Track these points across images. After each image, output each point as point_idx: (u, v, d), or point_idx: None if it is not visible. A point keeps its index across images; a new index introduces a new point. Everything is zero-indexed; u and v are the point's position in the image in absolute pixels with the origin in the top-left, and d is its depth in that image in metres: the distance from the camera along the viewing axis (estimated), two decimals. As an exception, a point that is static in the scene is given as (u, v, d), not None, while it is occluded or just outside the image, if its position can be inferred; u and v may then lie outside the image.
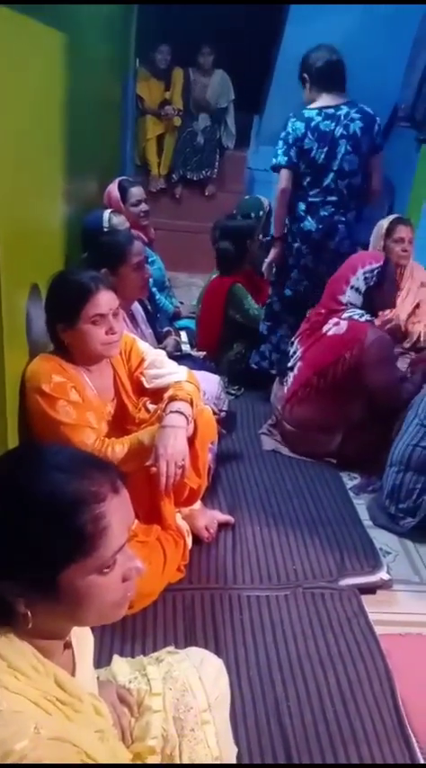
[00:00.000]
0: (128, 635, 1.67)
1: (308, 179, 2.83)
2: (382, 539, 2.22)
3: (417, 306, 3.33)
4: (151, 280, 2.94)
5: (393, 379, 2.54)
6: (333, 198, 2.83)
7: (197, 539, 2.00)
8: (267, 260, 3.02)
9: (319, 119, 2.75)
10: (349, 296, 2.52)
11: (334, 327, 2.53)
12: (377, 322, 3.13)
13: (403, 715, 1.54)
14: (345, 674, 1.63)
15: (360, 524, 2.26)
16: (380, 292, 2.51)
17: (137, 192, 3.12)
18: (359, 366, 2.45)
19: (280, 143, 2.80)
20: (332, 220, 2.85)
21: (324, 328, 2.56)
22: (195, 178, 5.20)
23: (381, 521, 2.31)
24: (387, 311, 3.22)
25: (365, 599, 1.91)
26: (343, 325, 2.50)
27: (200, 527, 1.99)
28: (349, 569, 1.99)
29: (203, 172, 5.15)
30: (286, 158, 2.79)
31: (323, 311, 2.61)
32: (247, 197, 3.53)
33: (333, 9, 4.32)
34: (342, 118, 2.74)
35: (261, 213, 3.34)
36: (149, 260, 2.93)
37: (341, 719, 1.51)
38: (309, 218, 2.86)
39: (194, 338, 3.40)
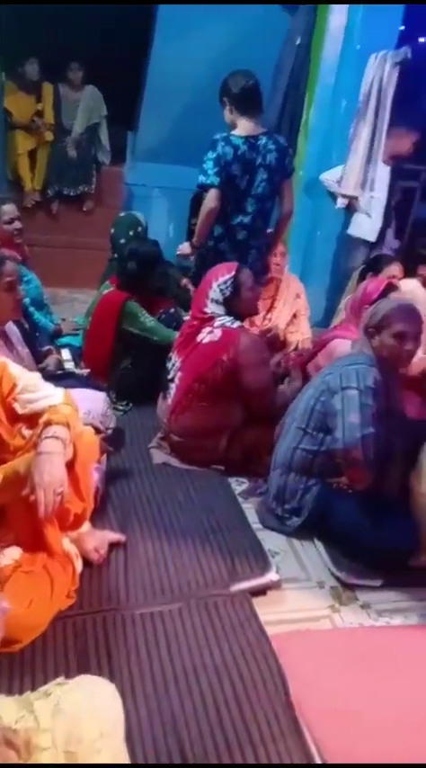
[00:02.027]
0: (17, 671, 1.61)
1: (231, 204, 3.04)
2: (271, 540, 2.30)
3: (294, 316, 3.49)
4: (28, 299, 2.86)
5: (265, 380, 2.64)
6: (248, 222, 3.09)
7: (87, 561, 1.96)
8: (178, 251, 3.27)
9: (245, 147, 2.97)
10: (210, 308, 2.61)
11: (209, 336, 2.60)
12: (256, 331, 3.27)
13: (297, 712, 1.59)
14: (240, 679, 1.66)
15: (250, 528, 2.33)
16: (239, 300, 2.62)
17: (8, 209, 3.03)
18: (235, 368, 2.53)
19: (210, 163, 2.95)
20: (246, 245, 3.13)
21: (199, 337, 2.63)
22: (72, 194, 5.12)
23: (269, 522, 2.39)
24: (266, 321, 3.36)
25: (256, 601, 1.96)
26: (217, 332, 2.58)
27: (90, 549, 1.96)
28: (240, 574, 2.03)
29: (80, 187, 5.09)
30: (218, 179, 2.95)
31: (195, 323, 2.68)
32: (123, 214, 3.54)
33: (201, 27, 4.45)
34: (261, 148, 2.99)
35: (139, 229, 3.36)
36: (24, 279, 2.86)
37: (237, 724, 1.54)
38: (226, 240, 3.11)
39: (78, 355, 3.35)
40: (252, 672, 1.69)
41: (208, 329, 2.62)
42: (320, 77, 4.16)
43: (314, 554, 2.24)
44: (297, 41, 4.19)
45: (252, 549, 2.17)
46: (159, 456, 2.71)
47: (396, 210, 4.29)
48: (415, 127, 3.90)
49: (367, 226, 4.05)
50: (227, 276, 2.62)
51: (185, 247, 3.27)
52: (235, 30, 4.50)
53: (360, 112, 3.74)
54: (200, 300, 2.68)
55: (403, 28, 4.12)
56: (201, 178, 3.00)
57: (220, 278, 2.62)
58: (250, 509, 2.47)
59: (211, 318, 2.63)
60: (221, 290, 2.61)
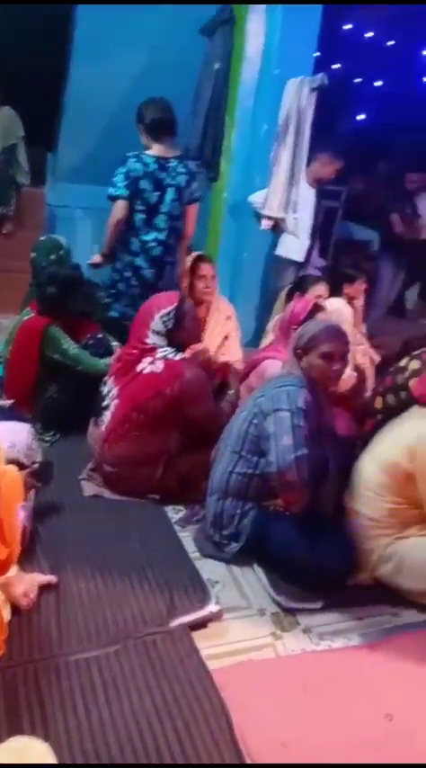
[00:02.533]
0: None
1: (142, 217, 3.29)
2: (209, 568, 2.25)
3: (225, 338, 3.49)
4: None
5: (212, 409, 2.64)
6: (162, 238, 3.33)
7: (16, 608, 1.84)
8: (90, 261, 3.47)
9: (155, 166, 3.24)
10: (152, 339, 2.57)
11: (150, 366, 2.55)
12: (187, 354, 3.24)
13: (241, 747, 1.55)
14: (181, 719, 1.60)
15: (187, 558, 2.27)
16: (181, 331, 2.59)
17: None
18: (179, 401, 2.50)
19: (120, 177, 3.21)
20: (162, 261, 3.36)
21: (139, 367, 2.57)
22: (-10, 216, 4.95)
23: (207, 550, 2.34)
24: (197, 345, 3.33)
25: (197, 634, 1.91)
26: (159, 364, 2.54)
27: (18, 595, 1.84)
28: (179, 608, 1.97)
29: (-1, 209, 4.93)
30: (126, 191, 3.20)
31: (134, 351, 2.62)
32: (43, 238, 3.43)
33: (118, 49, 4.43)
34: (171, 170, 3.27)
35: (61, 253, 3.26)
36: None
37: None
38: (142, 256, 3.33)
39: (0, 385, 3.20)
40: (194, 710, 1.63)
41: (149, 359, 2.57)
42: (239, 101, 4.23)
43: (254, 580, 2.21)
44: (216, 66, 4.25)
45: (190, 581, 2.12)
46: (90, 488, 2.61)
47: (320, 230, 4.40)
48: (339, 153, 4.08)
49: (293, 246, 4.11)
50: (170, 308, 2.58)
51: (97, 257, 3.47)
52: (153, 52, 4.51)
53: (280, 136, 3.82)
54: (141, 331, 2.61)
55: (317, 54, 4.26)
56: (110, 190, 3.23)
57: (162, 309, 2.58)
58: (187, 537, 2.42)
59: (153, 349, 2.58)
60: (163, 322, 2.57)
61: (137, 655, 1.77)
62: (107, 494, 2.59)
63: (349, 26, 6.28)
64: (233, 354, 3.52)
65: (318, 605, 2.09)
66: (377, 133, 7.55)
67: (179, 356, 2.60)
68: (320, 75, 3.71)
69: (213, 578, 2.20)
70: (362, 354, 3.69)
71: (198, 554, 2.33)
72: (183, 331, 2.62)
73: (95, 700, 1.63)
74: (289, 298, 3.51)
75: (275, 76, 4.03)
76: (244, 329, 3.96)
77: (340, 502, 2.33)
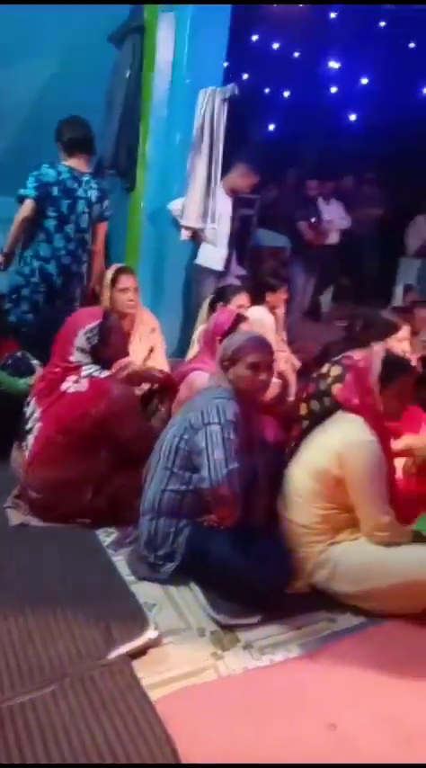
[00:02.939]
0: None
1: (54, 223, 3.35)
2: (145, 591, 2.19)
3: (151, 350, 3.43)
4: None
5: (142, 427, 2.58)
6: (72, 248, 3.40)
7: None
8: None
9: (67, 175, 3.35)
10: (77, 356, 2.49)
11: (74, 385, 2.47)
12: (113, 368, 3.16)
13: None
14: (125, 756, 1.54)
15: (122, 583, 2.21)
16: (107, 347, 2.53)
17: None
18: (107, 421, 2.42)
19: (31, 179, 3.28)
20: (69, 270, 3.42)
21: (63, 386, 2.48)
22: None
23: (142, 572, 2.28)
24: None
25: (137, 663, 1.85)
26: (84, 382, 2.46)
27: None
28: (116, 638, 1.90)
29: None
30: (34, 193, 3.27)
31: (57, 370, 2.52)
32: None
33: (25, 57, 4.29)
34: (83, 183, 3.39)
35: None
36: None
37: None
38: (53, 262, 3.37)
39: None
40: (138, 745, 1.57)
41: (73, 377, 2.48)
42: (152, 110, 4.19)
43: (191, 600, 2.17)
44: (126, 74, 4.19)
45: (127, 607, 2.06)
46: (16, 516, 2.48)
47: (236, 238, 4.44)
48: (255, 165, 4.19)
49: (212, 255, 4.13)
50: (94, 323, 2.50)
51: None
52: (62, 60, 4.41)
53: (195, 147, 3.82)
54: (64, 348, 2.52)
55: (227, 64, 4.30)
56: (20, 191, 3.29)
57: (86, 325, 2.50)
58: (121, 561, 2.34)
59: (77, 367, 2.49)
60: (88, 339, 2.49)
61: (75, 693, 1.69)
62: (34, 521, 2.47)
63: (256, 37, 6.40)
64: (159, 367, 3.47)
65: (257, 619, 2.08)
66: (286, 142, 7.77)
67: (104, 374, 2.52)
68: (231, 86, 3.74)
69: (150, 601, 2.14)
70: (284, 361, 3.76)
71: (132, 577, 2.26)
72: (109, 347, 2.55)
73: (32, 748, 1.54)
74: (212, 308, 3.51)
75: (186, 86, 4.03)
76: (168, 340, 3.93)
77: (272, 511, 2.34)
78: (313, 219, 5.86)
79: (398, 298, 6.40)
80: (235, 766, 1.58)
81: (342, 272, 7.24)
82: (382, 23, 4.95)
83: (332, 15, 5.88)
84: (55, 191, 3.32)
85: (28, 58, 4.33)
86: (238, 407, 2.23)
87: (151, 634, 1.93)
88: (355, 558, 2.12)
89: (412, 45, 5.07)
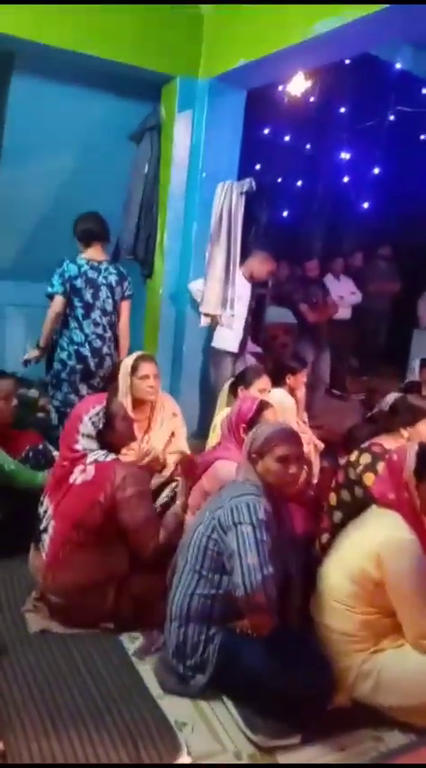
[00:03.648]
0: None
1: (82, 312, 3.63)
2: (175, 707, 2.04)
3: (172, 435, 3.38)
4: None
5: (144, 515, 2.37)
6: (100, 332, 3.66)
7: None
8: (25, 357, 3.75)
9: (87, 267, 3.63)
10: (83, 443, 2.43)
11: (82, 475, 2.39)
12: (136, 456, 3.10)
13: None
14: None
15: (150, 697, 2.06)
16: (112, 432, 2.48)
17: None
18: (114, 507, 2.32)
19: (56, 277, 3.56)
20: (100, 351, 3.68)
21: (71, 478, 2.41)
22: None
23: (170, 684, 2.13)
24: (143, 444, 3.22)
25: (169, 794, 1.69)
26: (90, 469, 2.39)
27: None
28: (144, 760, 1.75)
29: None
30: (61, 288, 3.56)
31: (65, 463, 2.47)
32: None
33: (49, 151, 4.48)
34: (103, 271, 3.66)
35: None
36: None
37: None
38: (86, 346, 3.63)
39: None
40: None
41: (80, 467, 2.40)
42: (170, 203, 4.33)
43: (226, 717, 2.01)
44: (145, 170, 4.37)
45: (155, 725, 1.92)
46: (36, 622, 2.36)
47: (251, 316, 4.49)
48: (273, 253, 4.38)
49: (229, 338, 4.17)
50: (98, 407, 2.47)
51: (33, 352, 3.73)
52: (82, 156, 4.59)
53: (213, 238, 3.92)
54: (70, 437, 2.47)
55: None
56: (48, 289, 3.59)
57: (91, 410, 2.47)
58: (147, 670, 2.20)
59: (83, 456, 2.43)
60: (93, 423, 2.45)
61: None
62: (55, 627, 2.34)
63: (267, 131, 6.72)
64: (180, 452, 3.41)
65: (297, 740, 1.92)
66: (296, 225, 8.06)
67: (111, 457, 2.44)
68: (248, 181, 3.87)
69: (180, 719, 1.99)
70: (306, 444, 3.68)
71: (160, 690, 2.11)
72: (114, 431, 2.50)
73: None
74: (232, 391, 3.48)
75: (203, 179, 4.18)
76: (188, 423, 3.89)
77: (306, 613, 2.21)
78: (314, 300, 5.94)
79: (414, 371, 6.37)
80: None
81: (356, 347, 7.27)
82: (391, 117, 5.19)
83: (342, 110, 6.21)
84: (78, 282, 3.58)
85: (48, 153, 4.51)
86: (268, 504, 2.14)
87: (184, 759, 1.79)
88: (401, 668, 1.97)
89: (423, 137, 5.28)
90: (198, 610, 2.11)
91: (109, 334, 3.70)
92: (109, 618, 2.37)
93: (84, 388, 3.66)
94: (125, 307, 3.77)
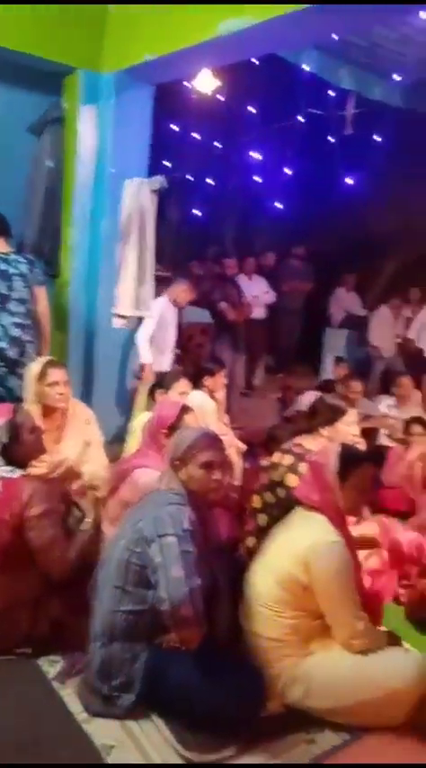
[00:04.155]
0: None
1: None
2: (102, 731, 1.93)
3: (86, 444, 3.23)
4: None
5: (51, 534, 2.23)
6: (19, 320, 3.57)
7: None
8: None
9: None
10: None
11: None
12: (47, 469, 2.94)
13: None
14: None
15: (74, 723, 1.94)
16: (19, 446, 2.34)
17: None
18: (21, 525, 2.19)
19: None
20: (20, 340, 3.56)
21: None
22: None
23: (95, 707, 2.01)
24: (55, 456, 3.06)
25: None
26: None
27: None
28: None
29: None
30: None
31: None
32: None
33: None
34: (12, 261, 3.59)
35: None
36: None
37: None
38: (5, 339, 3.53)
39: None
40: None
41: (-16, 486, 2.24)
42: (76, 198, 4.17)
43: (156, 736, 1.92)
44: (47, 163, 4.17)
45: (81, 753, 1.80)
46: None
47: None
48: (195, 283, 4.68)
49: (164, 363, 4.12)
50: (1, 421, 2.31)
51: None
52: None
53: (124, 237, 3.82)
54: None
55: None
56: None
57: None
58: (70, 695, 2.07)
59: None
60: None
61: None
62: (-34, 658, 2.17)
63: (177, 127, 6.66)
64: (96, 461, 3.26)
65: (231, 752, 1.87)
66: (209, 225, 8.08)
67: (17, 473, 2.30)
68: (160, 178, 3.79)
69: (108, 742, 1.89)
70: (228, 446, 3.65)
71: (85, 714, 2.00)
72: (21, 445, 2.36)
73: None
74: (151, 394, 3.40)
75: (111, 175, 4.05)
76: (105, 427, 3.75)
77: (235, 622, 2.17)
78: (233, 298, 5.97)
79: (327, 369, 6.55)
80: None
81: (271, 346, 7.38)
82: (301, 118, 5.28)
83: (252, 110, 6.25)
84: None
85: None
86: (192, 513, 2.07)
87: (112, 789, 1.68)
88: (331, 671, 1.97)
89: (330, 139, 5.41)
90: (122, 627, 2.01)
91: (28, 321, 3.63)
92: (25, 642, 2.22)
93: (12, 380, 3.55)
94: (41, 293, 3.71)
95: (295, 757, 1.91)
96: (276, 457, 2.76)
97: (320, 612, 2.02)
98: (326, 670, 1.98)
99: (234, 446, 3.70)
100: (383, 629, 2.16)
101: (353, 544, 2.13)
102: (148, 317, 3.94)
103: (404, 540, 2.86)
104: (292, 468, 2.62)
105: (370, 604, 2.22)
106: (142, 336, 4.22)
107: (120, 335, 4.23)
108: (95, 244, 4.20)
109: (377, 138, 5.26)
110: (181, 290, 4.50)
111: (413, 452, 3.91)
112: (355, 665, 1.97)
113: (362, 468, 2.14)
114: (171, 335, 4.44)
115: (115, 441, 3.92)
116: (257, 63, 5.24)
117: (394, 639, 2.13)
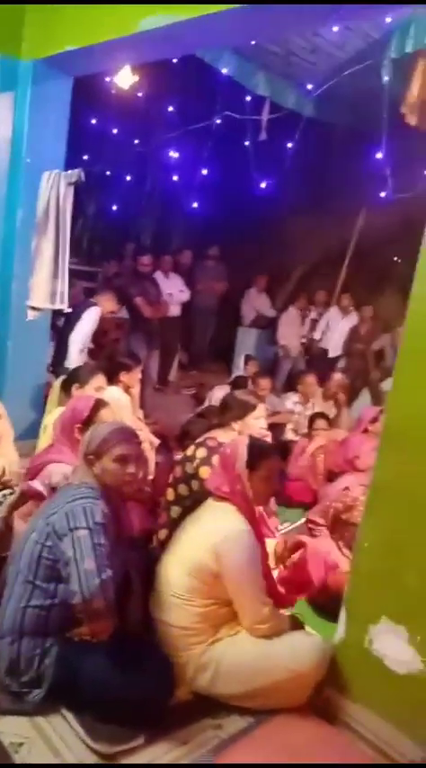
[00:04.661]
0: None
1: None
2: (10, 728, 1.92)
3: None
4: None
5: None
6: None
7: None
8: None
9: None
10: None
11: None
12: None
13: None
14: None
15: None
16: None
17: None
18: None
19: None
20: None
21: None
22: None
23: (4, 704, 2.00)
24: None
25: None
26: None
27: None
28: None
29: None
30: None
31: None
32: None
33: None
34: None
35: None
36: None
37: None
38: None
39: None
40: None
41: None
42: (-10, 188, 4.04)
43: (66, 730, 1.93)
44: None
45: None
46: None
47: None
48: (119, 296, 4.63)
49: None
50: None
51: None
52: None
53: (40, 230, 3.73)
54: None
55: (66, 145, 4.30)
56: None
57: None
58: (-23, 695, 2.03)
59: None
60: None
61: None
62: None
63: (95, 120, 6.57)
64: (7, 456, 3.19)
65: (141, 741, 1.91)
66: (126, 221, 8.04)
67: None
68: (77, 171, 3.73)
69: (16, 740, 1.88)
70: (142, 441, 3.68)
71: (-6, 712, 1.97)
72: None
73: None
74: (65, 389, 3.35)
75: (27, 165, 3.95)
76: (16, 423, 3.66)
77: (146, 613, 2.20)
78: (151, 294, 5.99)
79: (240, 366, 6.70)
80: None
81: (185, 343, 7.46)
82: (218, 121, 5.35)
83: (170, 109, 6.27)
84: None
85: None
86: (106, 506, 2.09)
87: (21, 785, 1.68)
88: (237, 657, 2.05)
89: (246, 143, 5.52)
90: (32, 622, 2.00)
91: None
92: None
93: None
94: None
95: (203, 743, 1.97)
96: (190, 450, 2.82)
97: (229, 600, 2.09)
98: (232, 657, 2.05)
99: (147, 441, 3.73)
100: (286, 613, 2.26)
101: (261, 534, 2.23)
102: (82, 319, 3.96)
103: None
104: (206, 461, 2.69)
105: (280, 594, 2.33)
106: (76, 341, 4.15)
107: (35, 329, 4.13)
108: (10, 235, 4.08)
109: (289, 145, 5.42)
110: (104, 301, 4.51)
111: (313, 445, 4.13)
112: (260, 650, 2.06)
113: (269, 460, 2.24)
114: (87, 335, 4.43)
115: (28, 436, 3.84)
116: (177, 63, 5.28)
117: (296, 624, 2.24)
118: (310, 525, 3.44)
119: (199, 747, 1.94)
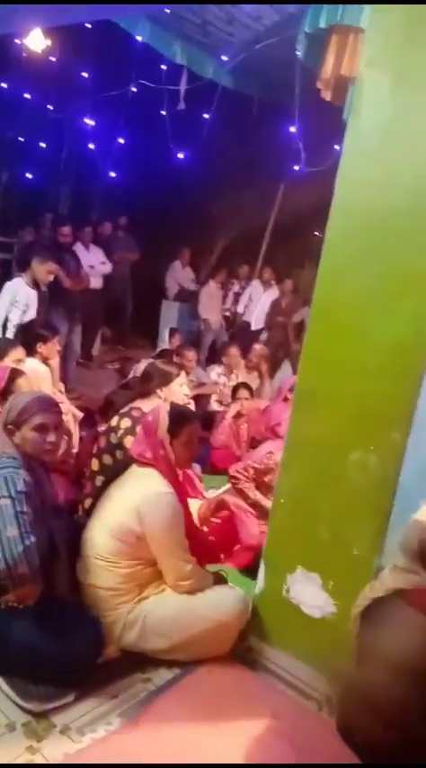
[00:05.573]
0: None
1: None
2: None
3: None
4: None
5: None
6: None
7: None
8: None
9: None
10: None
11: None
12: None
13: None
14: None
15: None
16: None
17: None
18: None
19: None
20: None
21: None
22: None
23: None
24: None
25: None
26: None
27: None
28: None
29: None
30: None
31: None
32: None
33: None
34: None
35: None
36: None
37: None
38: None
39: None
40: None
41: None
42: None
43: (-6, 693, 1.96)
44: None
45: None
46: None
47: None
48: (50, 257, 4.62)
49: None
50: None
51: None
52: None
53: None
54: None
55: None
56: None
57: None
58: None
59: None
60: None
61: None
62: None
63: (5, 85, 6.29)
64: None
65: (71, 698, 1.97)
66: (42, 189, 7.77)
67: None
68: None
69: None
70: (64, 413, 3.66)
71: None
72: None
73: None
74: (-17, 363, 3.28)
75: None
76: None
77: (72, 578, 2.24)
78: (70, 265, 5.85)
79: (165, 340, 6.73)
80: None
81: (108, 316, 7.36)
82: (133, 89, 5.26)
83: (85, 75, 6.07)
84: None
85: None
86: (28, 475, 2.10)
87: None
88: (163, 612, 2.14)
89: (163, 112, 5.45)
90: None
91: None
92: None
93: None
94: None
95: (133, 695, 2.06)
96: (114, 420, 2.85)
97: (153, 560, 2.17)
98: (158, 612, 2.14)
99: (70, 413, 3.72)
100: (210, 570, 2.37)
101: (184, 496, 2.31)
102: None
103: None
104: (130, 431, 2.73)
105: (205, 552, 2.43)
106: None
107: None
108: None
109: (206, 116, 5.42)
110: (37, 266, 4.48)
111: (231, 411, 4.27)
112: (183, 605, 2.16)
113: (190, 425, 2.31)
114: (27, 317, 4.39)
115: None
116: (91, 28, 5.13)
117: (220, 579, 2.35)
118: (232, 481, 3.55)
119: (128, 700, 2.03)
